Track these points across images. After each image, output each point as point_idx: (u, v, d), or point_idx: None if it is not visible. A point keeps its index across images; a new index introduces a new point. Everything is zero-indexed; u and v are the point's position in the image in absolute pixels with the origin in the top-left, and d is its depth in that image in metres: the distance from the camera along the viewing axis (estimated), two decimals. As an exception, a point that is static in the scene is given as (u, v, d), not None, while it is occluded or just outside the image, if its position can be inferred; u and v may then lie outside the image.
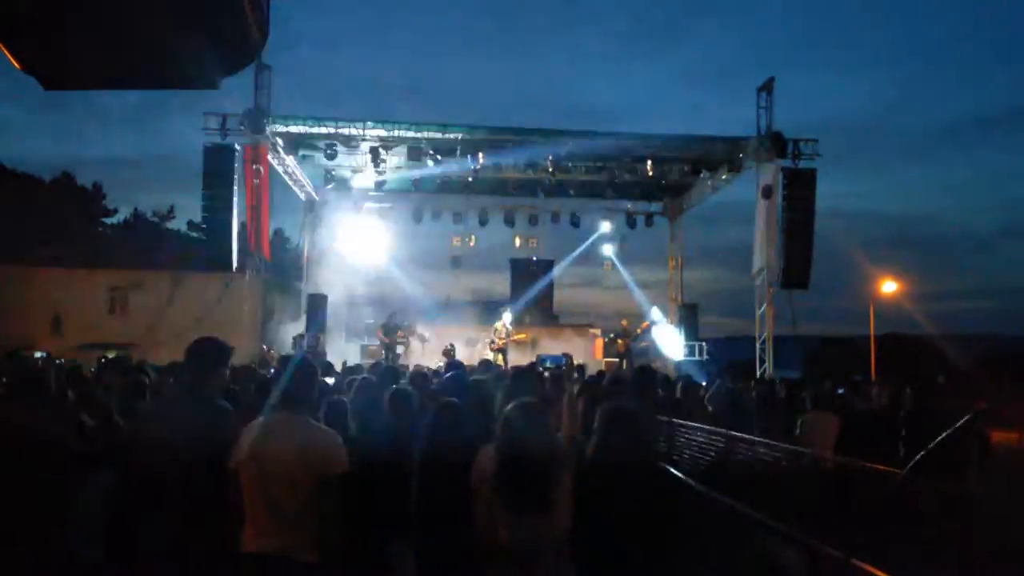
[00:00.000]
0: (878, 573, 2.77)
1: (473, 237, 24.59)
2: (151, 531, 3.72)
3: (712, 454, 6.65)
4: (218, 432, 3.82)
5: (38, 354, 19.95)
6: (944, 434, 3.87)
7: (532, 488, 3.47)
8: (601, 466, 3.78)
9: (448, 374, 7.56)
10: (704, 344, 23.43)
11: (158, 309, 28.52)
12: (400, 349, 21.58)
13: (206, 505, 3.68)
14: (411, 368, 11.47)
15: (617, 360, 21.80)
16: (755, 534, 3.77)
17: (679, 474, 4.55)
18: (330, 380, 7.88)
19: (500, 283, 28.76)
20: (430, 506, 4.84)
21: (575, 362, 19.84)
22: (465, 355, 21.56)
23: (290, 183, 23.05)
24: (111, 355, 20.49)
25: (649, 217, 25.56)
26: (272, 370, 9.22)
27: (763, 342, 21.08)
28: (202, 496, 3.67)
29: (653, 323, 23.25)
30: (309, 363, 4.13)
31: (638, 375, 7.11)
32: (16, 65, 1.36)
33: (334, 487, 3.61)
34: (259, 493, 3.56)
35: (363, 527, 4.47)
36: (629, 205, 25.22)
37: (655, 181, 22.36)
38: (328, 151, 20.51)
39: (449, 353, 18.24)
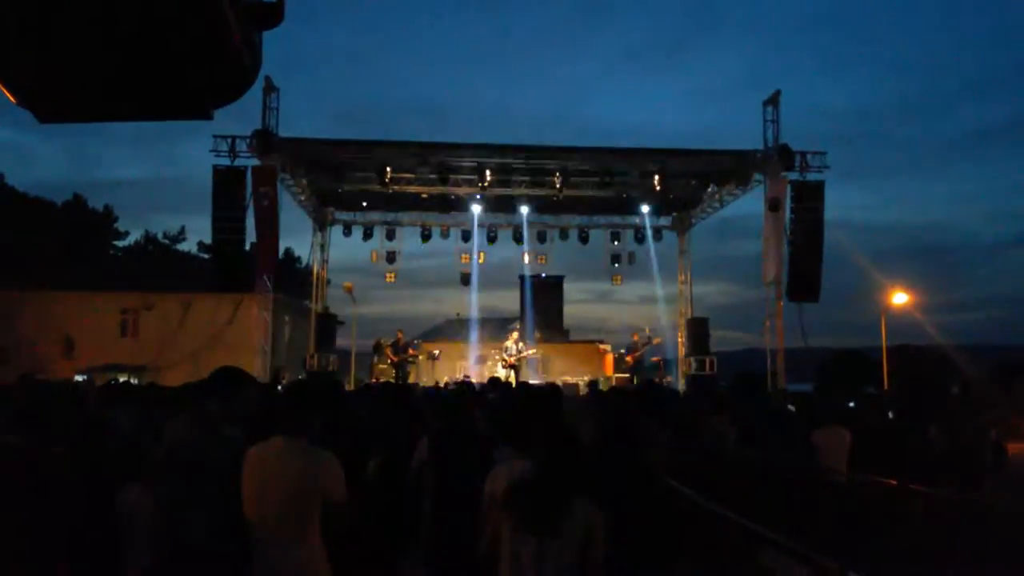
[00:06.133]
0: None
1: (482, 254, 24.68)
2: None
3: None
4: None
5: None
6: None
7: (540, 508, 3.43)
8: None
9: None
10: (714, 358, 23.30)
11: (169, 331, 28.67)
12: (410, 367, 21.62)
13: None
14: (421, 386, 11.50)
15: (628, 375, 21.76)
16: (762, 548, 3.76)
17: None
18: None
19: (510, 300, 28.77)
20: (442, 523, 4.85)
21: (586, 378, 19.84)
22: (475, 373, 21.63)
23: (299, 203, 23.13)
24: (123, 378, 20.56)
25: (658, 231, 25.60)
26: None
27: (773, 355, 20.96)
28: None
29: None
30: (308, 385, 4.15)
31: (642, 389, 7.07)
32: (11, 99, 1.38)
33: (337, 508, 3.60)
34: (262, 519, 3.56)
35: (373, 545, 4.48)
36: (637, 220, 25.24)
37: (663, 195, 22.34)
38: (337, 171, 20.58)
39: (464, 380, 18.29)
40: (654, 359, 23.57)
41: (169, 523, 3.76)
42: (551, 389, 7.31)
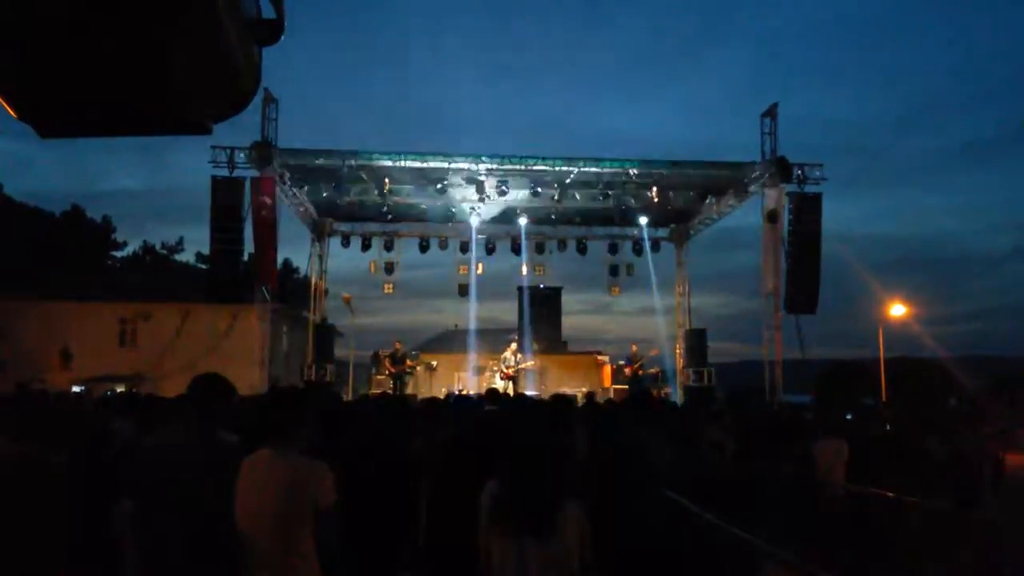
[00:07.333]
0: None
1: (480, 265, 24.67)
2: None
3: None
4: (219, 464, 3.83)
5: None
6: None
7: (530, 510, 3.45)
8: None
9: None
10: (712, 370, 23.29)
11: (167, 341, 28.66)
12: (408, 378, 21.59)
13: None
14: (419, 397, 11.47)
15: (626, 387, 21.73)
16: (761, 562, 3.75)
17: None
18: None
19: (507, 311, 28.79)
20: (439, 535, 4.85)
21: (584, 390, 19.82)
22: (473, 384, 21.61)
23: (297, 214, 23.16)
24: (120, 388, 20.54)
25: (656, 243, 25.61)
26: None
27: (772, 367, 20.96)
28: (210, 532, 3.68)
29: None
30: (296, 395, 4.15)
31: (634, 398, 7.08)
32: (12, 114, 1.39)
33: (328, 518, 3.60)
34: (254, 529, 3.56)
35: (368, 553, 4.47)
36: (636, 231, 25.26)
37: (661, 207, 22.38)
38: (335, 182, 20.60)
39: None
40: (652, 370, 23.55)
41: (157, 531, 3.75)
42: (551, 402, 7.32)
